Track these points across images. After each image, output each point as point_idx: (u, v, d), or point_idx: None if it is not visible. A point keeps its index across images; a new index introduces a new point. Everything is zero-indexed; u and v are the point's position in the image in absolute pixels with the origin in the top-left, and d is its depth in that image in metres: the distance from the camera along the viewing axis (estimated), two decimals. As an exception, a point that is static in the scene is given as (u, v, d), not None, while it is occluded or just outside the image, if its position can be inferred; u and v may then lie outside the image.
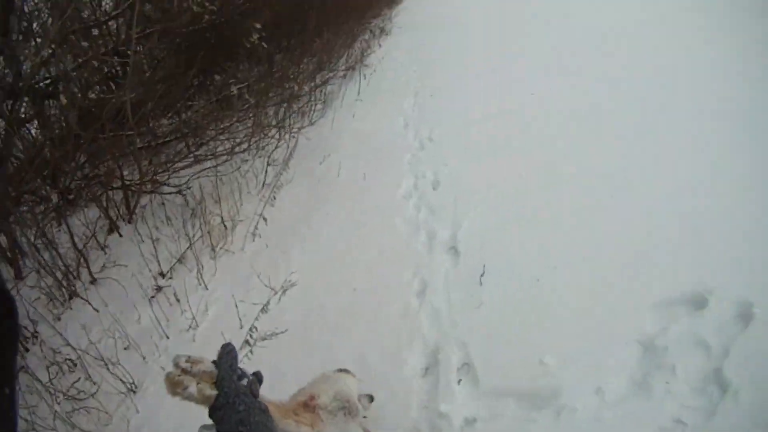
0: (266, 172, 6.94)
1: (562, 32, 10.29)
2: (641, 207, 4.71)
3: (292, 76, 8.43)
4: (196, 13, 6.67)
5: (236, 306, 4.77)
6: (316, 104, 8.31)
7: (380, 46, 13.40)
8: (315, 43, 9.60)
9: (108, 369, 4.28)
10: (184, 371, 1.55)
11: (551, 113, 6.73)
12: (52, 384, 4.23)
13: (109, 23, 6.43)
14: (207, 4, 6.66)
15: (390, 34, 15.26)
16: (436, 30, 14.13)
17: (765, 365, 3.14)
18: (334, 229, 5.71)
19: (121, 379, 4.21)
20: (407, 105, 7.88)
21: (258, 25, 7.39)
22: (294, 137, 7.48)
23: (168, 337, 4.76)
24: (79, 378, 4.35)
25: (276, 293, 4.91)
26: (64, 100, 5.44)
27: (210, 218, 5.99)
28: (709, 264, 3.92)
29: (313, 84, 8.81)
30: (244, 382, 1.58)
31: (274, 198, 6.45)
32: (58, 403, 4.13)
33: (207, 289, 5.28)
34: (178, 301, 5.14)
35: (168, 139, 6.94)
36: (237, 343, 4.37)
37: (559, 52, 9.16)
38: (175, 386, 1.54)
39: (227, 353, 1.60)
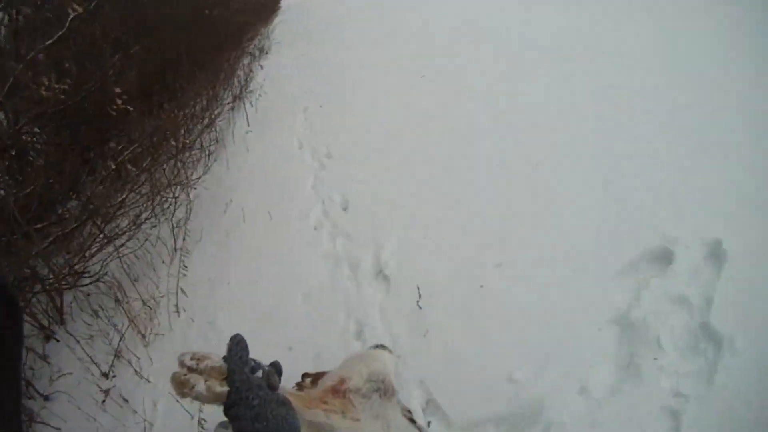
0: (174, 236, 6.21)
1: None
2: (580, 173, 4.33)
3: (182, 123, 7.69)
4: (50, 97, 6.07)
5: (177, 400, 4.10)
6: (209, 148, 7.55)
7: (261, 67, 12.49)
8: (189, 87, 8.88)
9: None
10: (190, 369, 1.37)
11: (445, 103, 6.19)
12: None
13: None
14: (55, 86, 6.05)
15: (270, 52, 14.47)
16: (315, 42, 13.45)
17: (752, 304, 2.99)
18: (254, 286, 5.10)
19: None
20: (298, 123, 7.14)
21: (118, 90, 6.73)
22: (194, 188, 6.79)
23: None
24: None
25: None
26: None
27: (132, 302, 5.36)
28: (665, 214, 3.61)
29: (202, 125, 8.04)
30: (259, 374, 1.41)
31: (186, 266, 5.77)
32: None
33: (149, 381, 4.74)
34: (126, 401, 4.63)
35: (75, 224, 6.35)
36: None
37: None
38: (182, 386, 1.35)
39: (236, 344, 1.40)
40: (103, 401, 4.76)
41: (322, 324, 4.29)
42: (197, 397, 1.35)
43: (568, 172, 4.35)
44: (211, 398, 1.36)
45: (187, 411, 4.17)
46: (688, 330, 3.06)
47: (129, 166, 6.46)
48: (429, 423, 3.26)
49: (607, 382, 3.05)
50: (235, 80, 10.33)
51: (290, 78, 9.70)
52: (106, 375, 4.99)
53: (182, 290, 5.47)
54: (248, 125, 7.84)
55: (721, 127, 4.28)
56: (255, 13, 17.67)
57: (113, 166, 6.96)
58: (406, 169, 5.39)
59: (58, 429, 4.61)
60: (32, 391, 4.98)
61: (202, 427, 4.01)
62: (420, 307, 3.97)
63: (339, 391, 2.03)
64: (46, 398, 5.00)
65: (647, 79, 5.08)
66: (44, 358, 5.41)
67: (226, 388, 1.33)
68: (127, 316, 5.18)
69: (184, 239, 6.13)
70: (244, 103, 8.90)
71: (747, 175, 3.82)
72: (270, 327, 4.55)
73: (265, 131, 7.52)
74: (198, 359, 1.38)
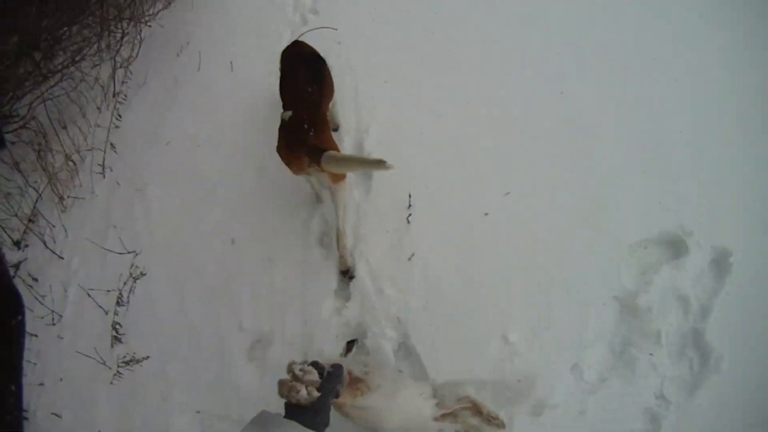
0: (115, 78, 5.16)
1: None
2: (612, 135, 3.54)
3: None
4: None
5: (89, 295, 3.68)
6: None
7: None
8: None
9: None
10: (296, 378, 1.81)
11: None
12: None
13: None
14: None
15: None
16: None
17: (747, 326, 2.80)
18: (197, 148, 4.21)
19: None
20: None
21: None
22: (149, 26, 5.63)
23: (36, 335, 3.67)
24: None
25: (125, 282, 3.61)
26: None
27: (55, 155, 4.62)
28: (689, 206, 3.18)
29: None
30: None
31: (119, 116, 4.82)
32: None
33: (62, 258, 4.09)
34: (35, 281, 4.05)
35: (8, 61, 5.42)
36: (105, 342, 3.50)
37: None
38: (289, 390, 1.77)
39: (337, 374, 1.92)
40: (13, 278, 4.03)
41: (278, 216, 3.56)
42: (297, 400, 1.75)
43: (613, 127, 3.57)
44: (306, 401, 1.77)
45: (100, 306, 3.66)
46: (680, 332, 2.86)
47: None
48: (400, 371, 2.85)
49: (600, 366, 2.83)
50: None
51: None
52: (18, 244, 4.40)
53: (112, 145, 4.65)
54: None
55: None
56: None
57: None
58: (413, 42, 4.37)
59: None
60: None
61: (117, 332, 3.54)
62: (408, 222, 3.25)
63: (352, 381, 2.45)
64: None
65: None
66: None
67: (316, 395, 1.77)
68: (46, 172, 4.48)
69: (123, 82, 5.18)
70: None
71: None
72: (212, 206, 3.84)
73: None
74: (304, 372, 1.81)
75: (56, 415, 3.34)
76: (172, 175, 4.12)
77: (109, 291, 3.66)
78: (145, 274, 3.65)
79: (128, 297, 3.58)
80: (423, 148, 3.54)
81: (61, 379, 3.50)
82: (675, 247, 3.05)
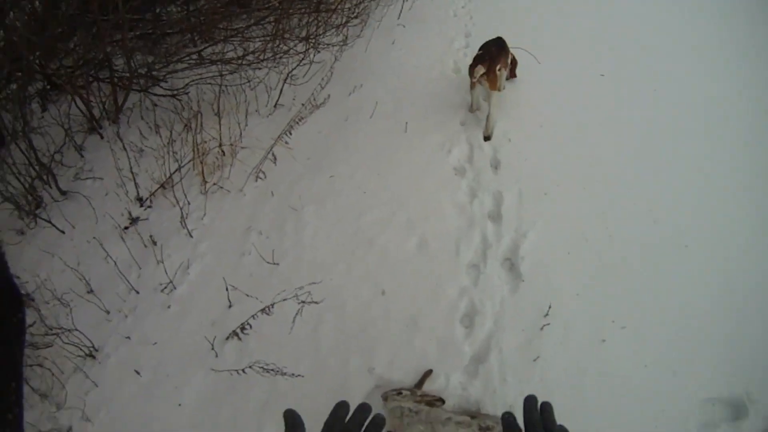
0: (281, 90, 5.61)
1: None
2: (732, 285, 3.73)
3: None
4: None
5: (227, 289, 3.88)
6: (351, 19, 6.76)
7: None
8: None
9: (59, 338, 3.65)
10: None
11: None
12: None
13: None
14: None
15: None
16: None
17: None
18: (362, 194, 4.50)
19: (77, 346, 3.64)
20: (457, 45, 6.41)
21: None
22: (319, 51, 6.13)
23: (138, 292, 4.05)
24: (34, 322, 3.76)
25: (285, 299, 3.76)
26: None
27: (206, 138, 4.90)
28: (758, 370, 3.31)
29: None
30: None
31: (290, 133, 5.15)
32: None
33: (191, 237, 4.39)
34: (154, 244, 4.35)
35: (171, 30, 5.97)
36: (221, 332, 3.73)
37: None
38: None
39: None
40: (126, 228, 4.48)
41: (430, 285, 3.81)
42: None
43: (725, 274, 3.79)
44: None
45: (228, 299, 3.88)
46: None
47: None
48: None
49: None
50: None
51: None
52: (141, 201, 4.65)
53: (273, 155, 4.94)
54: (399, 18, 7.14)
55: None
56: None
57: None
58: (575, 156, 4.69)
59: (63, 232, 4.46)
60: (50, 180, 4.76)
61: (242, 331, 3.70)
62: (542, 329, 3.51)
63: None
64: (64, 193, 4.79)
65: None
66: (80, 150, 5.20)
67: None
68: (194, 150, 4.73)
69: (309, 102, 5.55)
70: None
71: None
72: (367, 254, 4.08)
73: (419, 34, 6.81)
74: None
75: (137, 372, 3.60)
76: (332, 209, 4.42)
77: (248, 296, 3.85)
78: (316, 302, 3.77)
79: (273, 309, 3.73)
80: (567, 265, 3.86)
81: (155, 343, 3.75)
82: (736, 409, 3.20)
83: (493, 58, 4.73)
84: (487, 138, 4.88)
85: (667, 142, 4.75)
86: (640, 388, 3.23)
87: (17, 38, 4.44)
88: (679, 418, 3.13)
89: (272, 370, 3.39)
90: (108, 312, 3.94)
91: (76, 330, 3.64)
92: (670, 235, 3.99)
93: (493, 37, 5.10)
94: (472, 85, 5.02)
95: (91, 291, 4.03)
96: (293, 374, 3.38)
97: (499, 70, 4.73)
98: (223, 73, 5.53)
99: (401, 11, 7.24)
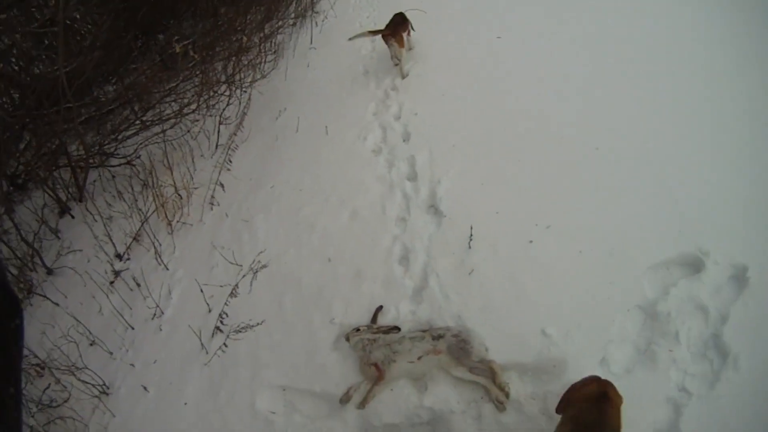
0: (218, 132, 6.40)
1: None
2: (640, 165, 4.36)
3: (239, 28, 7.76)
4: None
5: (201, 290, 4.46)
6: (266, 55, 7.67)
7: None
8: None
9: (74, 375, 4.13)
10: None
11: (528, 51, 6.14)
12: (22, 395, 3.95)
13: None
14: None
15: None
16: None
17: (761, 331, 3.23)
18: (299, 192, 5.23)
19: (91, 384, 4.09)
20: (365, 51, 7.20)
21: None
22: (245, 92, 6.92)
23: (133, 328, 4.63)
24: (49, 384, 4.19)
25: (244, 275, 4.50)
26: None
27: (163, 189, 5.53)
28: (705, 227, 3.78)
29: (262, 35, 8.11)
30: None
31: (230, 161, 5.94)
32: (32, 416, 4.02)
33: (167, 269, 5.01)
34: (138, 285, 4.96)
35: (112, 106, 6.55)
36: (207, 332, 4.29)
37: None
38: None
39: None
40: (112, 282, 5.05)
41: (366, 243, 4.46)
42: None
43: (632, 159, 4.41)
44: None
45: (206, 302, 4.46)
46: (701, 337, 3.32)
47: (190, 54, 6.54)
48: (458, 357, 3.58)
49: (625, 359, 3.35)
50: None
51: (359, 7, 9.70)
52: (120, 256, 5.26)
53: (221, 184, 5.65)
54: (311, 42, 7.93)
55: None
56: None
57: (159, 58, 7.14)
58: (475, 112, 5.47)
59: (57, 304, 4.95)
60: (37, 261, 5.32)
61: (222, 323, 4.29)
62: (470, 247, 4.11)
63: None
64: (50, 272, 5.35)
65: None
66: (55, 232, 5.80)
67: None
68: (155, 201, 5.37)
69: (233, 135, 6.35)
70: (311, 21, 8.90)
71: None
72: (311, 236, 4.73)
73: (329, 52, 7.60)
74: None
75: (144, 388, 4.10)
76: (276, 212, 5.14)
77: (222, 286, 4.49)
78: (265, 266, 4.58)
79: (237, 290, 4.44)
80: (482, 193, 4.54)
81: (155, 362, 4.30)
82: (693, 264, 3.64)
83: (398, 26, 6.35)
84: (404, 77, 6.40)
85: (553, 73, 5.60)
86: (581, 273, 3.74)
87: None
88: (631, 288, 3.59)
89: (245, 327, 4.08)
90: (111, 353, 4.47)
91: (87, 369, 4.15)
92: (580, 145, 4.66)
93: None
94: (389, 47, 6.41)
95: (93, 343, 4.53)
96: (258, 323, 4.13)
97: (404, 33, 6.39)
98: (166, 129, 6.24)
99: (311, 36, 8.02)
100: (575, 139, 4.72)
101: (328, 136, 5.83)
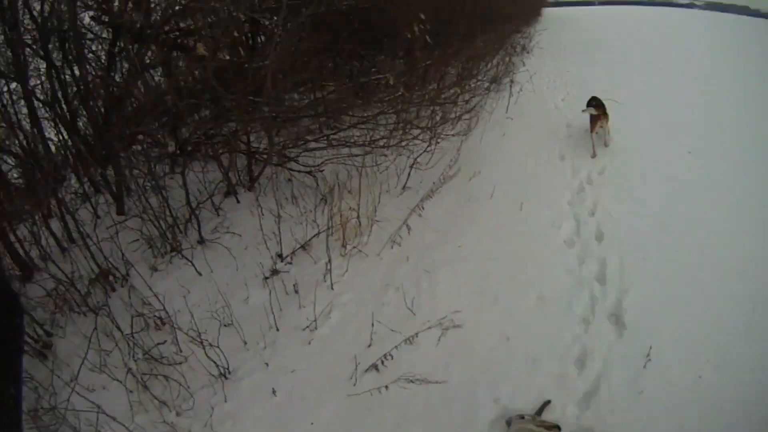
0: (409, 175, 6.55)
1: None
2: None
3: (438, 76, 8.00)
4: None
5: (372, 324, 4.45)
6: (463, 113, 7.67)
7: (524, 64, 12.79)
8: (463, 46, 9.08)
9: (201, 346, 4.11)
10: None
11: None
12: (132, 337, 4.14)
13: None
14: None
15: (532, 53, 15.01)
16: (579, 55, 14.14)
17: None
18: (488, 259, 5.28)
19: (213, 361, 4.07)
20: (561, 134, 7.39)
21: (422, 16, 6.97)
22: (438, 141, 6.97)
23: (278, 329, 4.56)
24: (165, 341, 4.25)
25: (430, 327, 4.45)
26: (202, 50, 5.30)
27: (345, 211, 5.62)
28: None
29: (458, 90, 8.09)
30: None
31: (423, 207, 6.05)
32: (135, 360, 4.08)
33: (332, 289, 5.02)
34: (296, 292, 4.90)
35: (302, 114, 6.74)
36: (363, 364, 4.18)
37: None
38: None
39: None
40: (267, 278, 5.08)
41: (547, 333, 4.46)
42: None
43: None
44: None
45: (370, 337, 4.42)
46: None
47: (383, 87, 6.69)
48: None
49: None
50: (495, 64, 10.60)
51: (552, 87, 9.87)
52: (281, 257, 5.29)
53: (408, 226, 5.75)
54: (507, 111, 8.05)
55: None
56: (520, 9, 18.11)
57: (350, 83, 7.29)
58: (668, 226, 5.58)
59: (200, 274, 5.08)
60: (192, 227, 5.54)
61: (383, 363, 4.21)
62: (645, 367, 4.07)
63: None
64: (202, 241, 5.49)
65: None
66: (217, 209, 5.98)
67: None
68: (336, 219, 5.48)
69: (421, 182, 6.49)
70: (508, 89, 9.09)
71: None
72: (492, 307, 4.75)
73: (524, 125, 7.87)
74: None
75: (273, 391, 3.99)
76: (461, 272, 5.18)
77: (393, 330, 4.47)
78: (459, 326, 4.50)
79: (415, 338, 4.39)
80: (666, 315, 4.53)
81: (293, 371, 4.19)
82: None
83: (600, 105, 7.15)
84: (606, 145, 7.22)
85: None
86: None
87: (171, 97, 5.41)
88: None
89: (418, 380, 3.99)
90: (245, 342, 4.40)
91: (217, 347, 4.08)
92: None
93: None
94: (593, 129, 7.12)
95: (230, 324, 4.48)
96: (437, 381, 4.00)
97: (605, 113, 7.22)
98: (355, 155, 6.43)
99: (508, 105, 8.12)
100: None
101: (522, 212, 5.95)
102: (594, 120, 7.10)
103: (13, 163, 5.91)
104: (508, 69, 10.72)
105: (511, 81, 9.50)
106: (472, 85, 9.03)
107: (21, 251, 4.95)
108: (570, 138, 7.29)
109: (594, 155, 6.90)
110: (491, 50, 10.86)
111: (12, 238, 4.88)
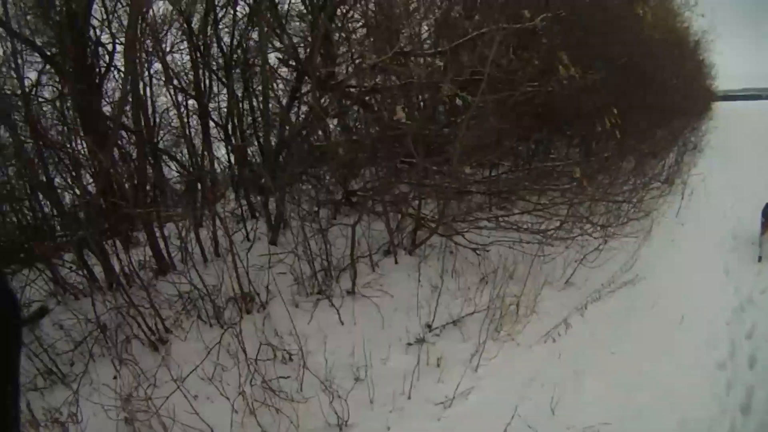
0: (574, 270, 6.66)
1: None
2: None
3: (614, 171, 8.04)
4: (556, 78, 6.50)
5: (512, 417, 4.20)
6: (640, 215, 7.79)
7: (695, 165, 12.62)
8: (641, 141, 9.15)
9: (330, 392, 4.23)
10: None
11: None
12: (256, 362, 4.34)
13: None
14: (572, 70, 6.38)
15: (702, 152, 14.75)
16: (751, 157, 13.81)
17: None
18: (638, 373, 5.05)
19: (335, 411, 4.13)
20: (727, 246, 7.41)
21: (615, 110, 7.07)
22: (607, 240, 7.08)
23: (410, 398, 4.52)
24: (289, 377, 4.41)
25: None
26: (401, 114, 5.61)
27: (508, 298, 5.72)
28: None
29: (632, 187, 8.24)
30: None
31: (586, 307, 6.11)
32: (251, 384, 4.21)
33: (476, 371, 4.96)
34: (438, 366, 4.92)
35: (476, 191, 7.07)
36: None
37: None
38: None
39: None
40: (410, 344, 5.24)
41: None
42: None
43: None
44: None
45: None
46: None
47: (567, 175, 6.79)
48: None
49: None
50: (671, 164, 10.54)
51: (723, 193, 9.65)
52: (430, 327, 5.46)
53: (567, 323, 5.81)
54: (677, 215, 8.01)
55: None
56: (692, 104, 17.61)
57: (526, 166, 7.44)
58: None
59: (341, 323, 5.31)
60: (345, 277, 5.77)
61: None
62: None
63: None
64: (352, 292, 5.80)
65: None
66: (374, 265, 6.30)
67: None
68: (498, 303, 5.61)
69: (586, 281, 6.68)
70: (681, 191, 9.04)
71: None
72: (634, 423, 4.60)
73: (697, 235, 7.75)
74: None
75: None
76: (611, 380, 5.00)
77: (530, 427, 4.27)
78: None
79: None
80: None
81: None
82: None
83: None
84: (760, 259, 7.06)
85: None
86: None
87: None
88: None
89: None
90: (372, 402, 4.38)
91: (345, 400, 4.13)
92: None
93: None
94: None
95: (362, 379, 4.50)
96: None
97: None
98: (525, 241, 6.61)
99: (679, 209, 8.07)
100: None
101: (680, 329, 5.80)
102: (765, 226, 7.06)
103: (177, 170, 6.52)
104: (681, 169, 10.61)
105: (684, 182, 9.42)
106: (646, 184, 8.98)
107: (163, 246, 5.57)
108: (735, 251, 7.18)
109: (760, 259, 6.88)
110: (665, 147, 10.78)
111: (158, 233, 5.47)
